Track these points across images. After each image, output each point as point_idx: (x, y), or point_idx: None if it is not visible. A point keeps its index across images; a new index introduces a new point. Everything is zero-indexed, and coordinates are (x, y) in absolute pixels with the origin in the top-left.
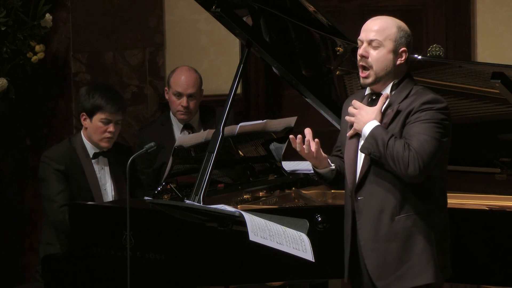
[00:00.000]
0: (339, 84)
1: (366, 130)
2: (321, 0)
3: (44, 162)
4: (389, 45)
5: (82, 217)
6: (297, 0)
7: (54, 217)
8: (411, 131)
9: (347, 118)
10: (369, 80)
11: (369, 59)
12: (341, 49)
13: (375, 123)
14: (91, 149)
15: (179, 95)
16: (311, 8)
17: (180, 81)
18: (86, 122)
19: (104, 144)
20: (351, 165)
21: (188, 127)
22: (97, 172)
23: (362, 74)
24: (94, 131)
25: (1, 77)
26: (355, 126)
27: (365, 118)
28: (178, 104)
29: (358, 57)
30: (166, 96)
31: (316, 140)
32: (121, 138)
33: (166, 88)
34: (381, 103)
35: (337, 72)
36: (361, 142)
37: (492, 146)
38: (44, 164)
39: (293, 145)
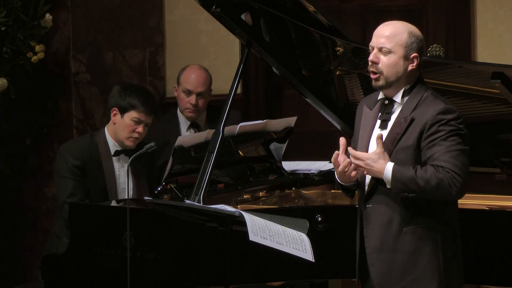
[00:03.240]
0: (339, 84)
1: (387, 177)
2: (321, 0)
3: (62, 154)
4: (400, 51)
5: (82, 217)
6: (297, 0)
7: (64, 217)
8: (434, 151)
9: (353, 173)
10: (380, 83)
11: (379, 65)
12: (341, 49)
13: (390, 165)
14: (113, 146)
15: (188, 92)
16: (311, 8)
17: (191, 79)
18: (116, 118)
19: (129, 143)
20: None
21: (194, 125)
22: (116, 170)
23: (372, 76)
24: (123, 128)
25: (1, 77)
26: (372, 176)
27: (376, 167)
28: (187, 101)
29: (369, 63)
30: (175, 93)
31: (353, 166)
32: None
33: (175, 86)
34: (380, 145)
35: (337, 72)
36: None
37: (492, 146)
38: (61, 156)
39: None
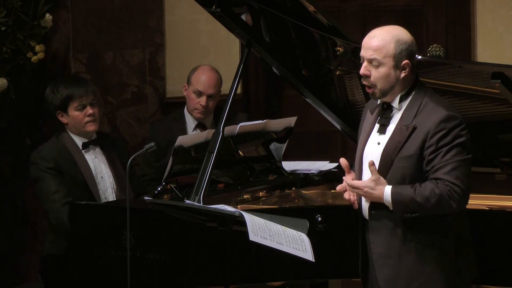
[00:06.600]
0: (339, 84)
1: (388, 201)
2: (321, 0)
3: (34, 162)
4: (390, 62)
5: (82, 217)
6: (297, 0)
7: (56, 218)
8: (436, 163)
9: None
10: (376, 96)
11: (372, 79)
12: (341, 49)
13: (388, 189)
14: (79, 141)
15: (199, 93)
16: (311, 8)
17: (202, 80)
18: (64, 118)
19: (90, 128)
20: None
21: (201, 126)
22: (90, 162)
23: (368, 90)
24: (75, 121)
25: (1, 77)
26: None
27: (375, 193)
28: (197, 102)
29: (362, 75)
30: (184, 93)
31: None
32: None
33: (185, 85)
34: (375, 171)
35: (337, 72)
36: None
37: (492, 146)
38: (34, 165)
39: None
